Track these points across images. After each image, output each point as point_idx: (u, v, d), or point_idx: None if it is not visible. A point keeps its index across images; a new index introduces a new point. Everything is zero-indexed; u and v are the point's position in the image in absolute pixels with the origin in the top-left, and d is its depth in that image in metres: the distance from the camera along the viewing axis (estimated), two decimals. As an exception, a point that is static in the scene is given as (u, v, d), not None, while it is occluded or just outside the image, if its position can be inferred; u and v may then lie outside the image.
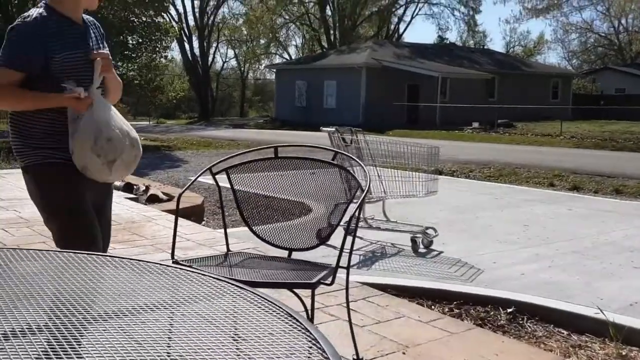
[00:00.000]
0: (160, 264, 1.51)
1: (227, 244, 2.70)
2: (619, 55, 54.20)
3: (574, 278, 4.42)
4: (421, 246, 5.22)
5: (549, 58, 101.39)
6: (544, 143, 18.99)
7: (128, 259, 1.54)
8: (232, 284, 1.38)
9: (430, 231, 5.34)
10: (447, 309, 3.59)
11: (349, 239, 2.43)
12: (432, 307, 3.61)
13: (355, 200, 2.45)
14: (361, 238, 5.49)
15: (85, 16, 2.33)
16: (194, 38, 42.81)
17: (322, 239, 2.60)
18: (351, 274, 4.17)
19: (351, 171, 2.55)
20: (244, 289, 1.33)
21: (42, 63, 2.07)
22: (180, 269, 1.51)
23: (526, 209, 7.44)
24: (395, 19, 49.29)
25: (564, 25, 48.31)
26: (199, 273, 1.45)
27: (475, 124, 25.18)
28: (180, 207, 2.59)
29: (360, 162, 2.54)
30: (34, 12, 2.13)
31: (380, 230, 5.52)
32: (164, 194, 6.74)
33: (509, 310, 3.57)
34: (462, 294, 3.85)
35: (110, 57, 2.28)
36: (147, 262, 1.53)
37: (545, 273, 4.54)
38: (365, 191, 2.36)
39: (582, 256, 5.07)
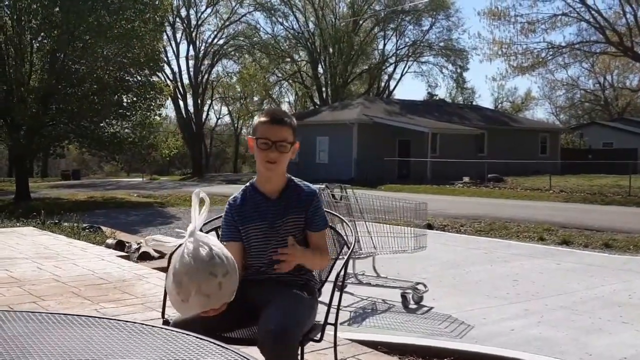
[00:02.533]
0: (147, 325, 1.57)
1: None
2: (605, 110, 55.34)
3: (563, 333, 4.44)
4: (412, 302, 5.23)
5: (537, 113, 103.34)
6: (534, 197, 19.14)
7: (121, 320, 1.59)
8: (216, 344, 1.44)
9: (420, 287, 5.36)
10: (436, 366, 3.60)
11: (338, 295, 2.47)
12: (422, 364, 3.61)
13: (341, 257, 2.51)
14: (352, 294, 5.50)
15: (303, 184, 2.33)
16: (189, 96, 43.47)
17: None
18: (341, 330, 4.20)
19: (336, 228, 2.62)
20: (227, 348, 1.39)
21: (239, 233, 2.31)
22: (168, 329, 1.58)
23: (516, 263, 7.48)
24: (386, 77, 50.40)
25: (550, 82, 49.50)
26: (184, 334, 1.53)
27: (466, 179, 25.42)
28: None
29: (343, 218, 2.61)
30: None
31: (371, 286, 5.54)
32: (156, 251, 6.74)
33: (498, 366, 3.57)
34: (453, 350, 3.85)
35: (292, 258, 2.21)
36: (135, 322, 1.58)
37: (535, 328, 4.55)
38: (352, 247, 2.42)
39: (571, 311, 5.09)
